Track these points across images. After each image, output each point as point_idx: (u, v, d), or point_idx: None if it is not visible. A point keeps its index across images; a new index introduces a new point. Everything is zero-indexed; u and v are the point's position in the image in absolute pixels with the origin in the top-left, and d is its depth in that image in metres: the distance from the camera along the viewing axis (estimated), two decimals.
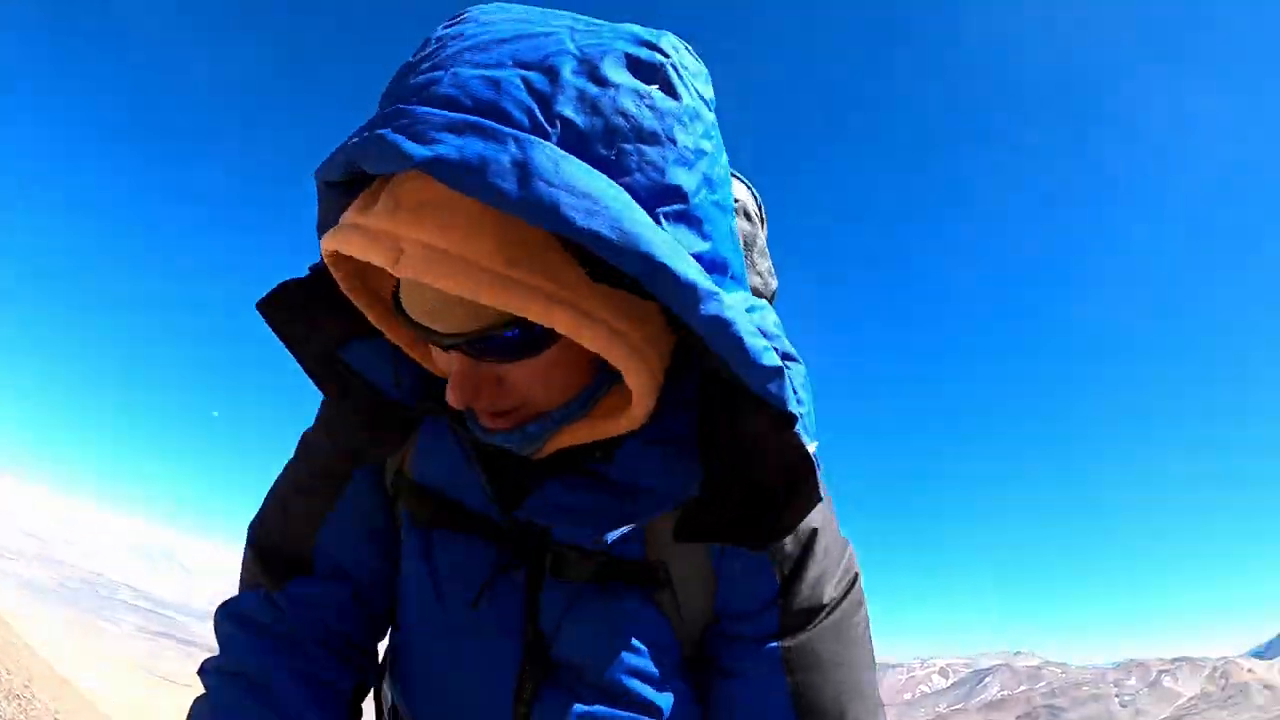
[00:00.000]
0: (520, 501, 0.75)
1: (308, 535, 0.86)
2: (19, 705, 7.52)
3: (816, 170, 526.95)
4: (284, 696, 0.78)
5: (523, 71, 0.57)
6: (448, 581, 0.79)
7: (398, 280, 0.67)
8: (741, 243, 0.71)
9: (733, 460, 0.70)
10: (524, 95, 0.56)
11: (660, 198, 0.58)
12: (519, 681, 0.76)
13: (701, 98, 0.64)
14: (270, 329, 0.79)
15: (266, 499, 0.91)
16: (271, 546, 0.87)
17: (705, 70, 0.67)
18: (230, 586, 0.92)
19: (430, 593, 0.80)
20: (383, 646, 0.98)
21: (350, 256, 0.66)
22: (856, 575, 0.81)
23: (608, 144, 0.56)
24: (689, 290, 0.56)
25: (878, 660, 0.85)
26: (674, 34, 0.65)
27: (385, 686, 0.96)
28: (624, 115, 0.57)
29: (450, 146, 0.53)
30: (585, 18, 0.66)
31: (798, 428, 0.64)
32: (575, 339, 0.59)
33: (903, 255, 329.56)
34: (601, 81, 0.57)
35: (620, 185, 0.55)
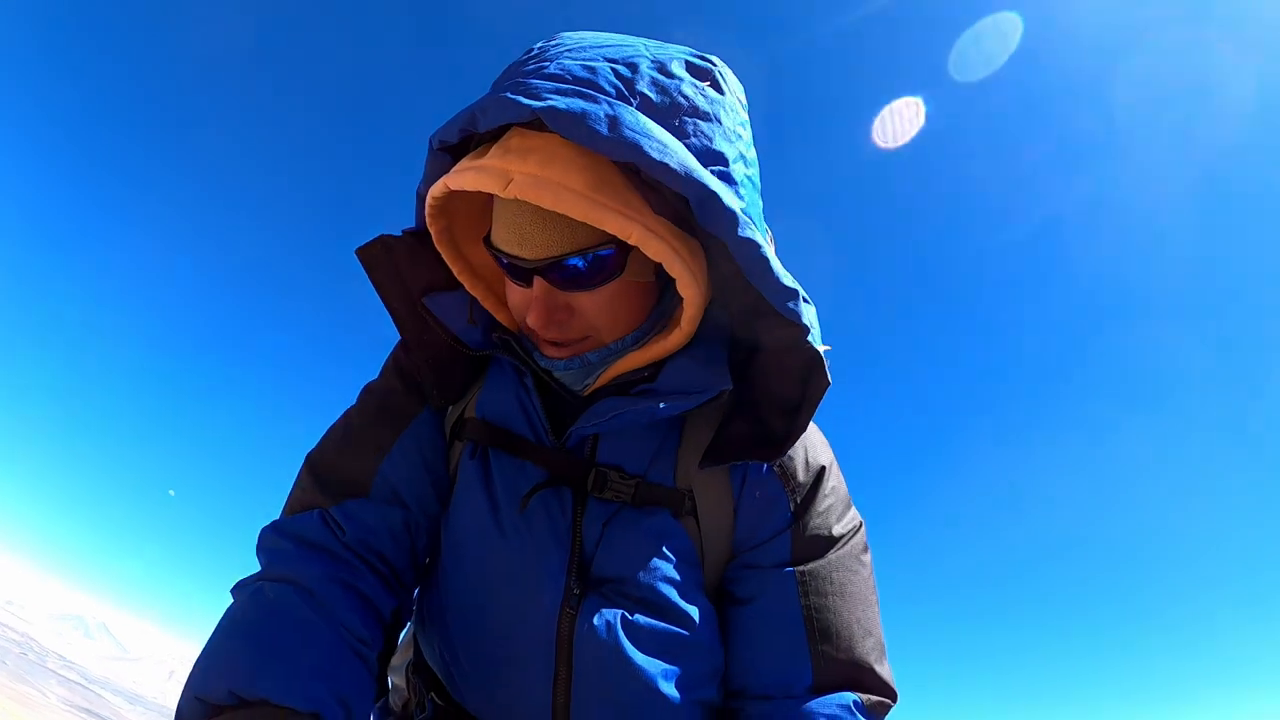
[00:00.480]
0: (567, 435, 0.87)
1: (370, 462, 0.89)
2: None
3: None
4: (332, 603, 0.77)
5: (611, 64, 0.77)
6: (503, 497, 0.86)
7: (487, 233, 0.85)
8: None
9: (755, 374, 0.84)
10: (612, 77, 0.76)
11: (708, 159, 0.76)
12: (565, 590, 0.81)
13: (739, 100, 0.85)
14: (365, 275, 0.93)
15: (327, 432, 0.95)
16: (331, 469, 0.89)
17: (742, 86, 0.89)
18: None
19: (486, 510, 0.87)
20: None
21: (442, 224, 0.88)
22: (861, 523, 0.91)
23: (673, 115, 0.76)
24: (731, 216, 0.73)
25: None
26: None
27: (408, 661, 1.00)
28: (684, 97, 0.78)
29: (559, 101, 0.71)
30: (655, 40, 0.87)
31: (809, 338, 0.79)
32: (644, 249, 0.74)
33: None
34: (669, 74, 0.78)
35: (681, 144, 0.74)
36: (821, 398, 0.81)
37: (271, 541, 0.84)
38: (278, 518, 0.88)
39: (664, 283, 0.90)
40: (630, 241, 0.74)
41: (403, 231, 0.95)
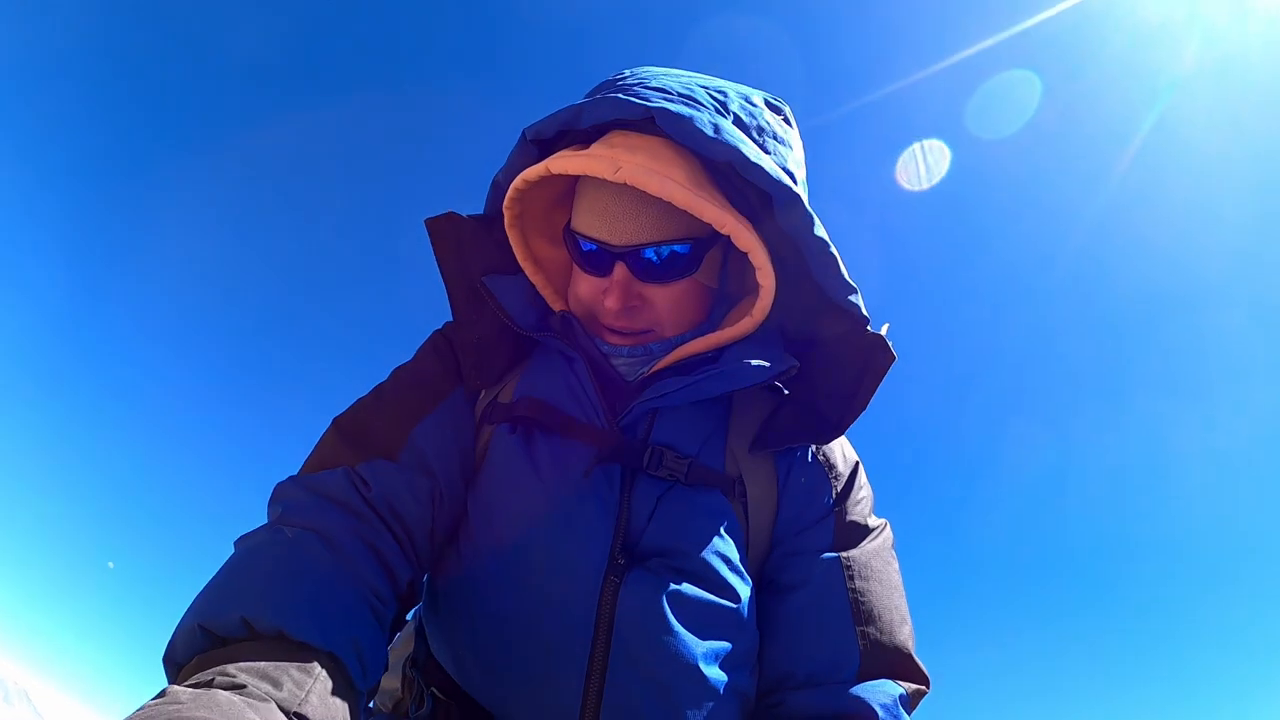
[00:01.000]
0: (626, 413, 0.88)
1: (402, 426, 0.87)
2: None
3: None
4: (353, 555, 0.72)
5: (704, 89, 0.89)
6: (549, 468, 0.84)
7: (567, 223, 0.92)
8: None
9: (808, 368, 0.89)
10: (709, 98, 0.87)
11: (785, 174, 0.86)
12: (610, 559, 0.79)
13: (800, 141, 0.98)
14: (431, 245, 0.96)
15: (356, 402, 0.92)
16: (360, 430, 0.86)
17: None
18: None
19: (530, 480, 0.84)
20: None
21: (516, 212, 0.94)
22: (888, 524, 0.94)
23: (758, 135, 0.88)
24: (809, 217, 0.83)
25: None
26: None
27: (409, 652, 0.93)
28: (766, 122, 0.90)
29: (669, 104, 0.82)
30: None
31: (868, 328, 0.86)
32: (735, 239, 0.82)
33: None
34: (752, 104, 0.91)
35: None
36: (885, 373, 0.85)
37: (290, 492, 0.79)
38: (295, 473, 0.83)
39: (719, 292, 0.98)
40: (723, 231, 0.81)
41: (471, 217, 0.98)
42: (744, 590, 0.84)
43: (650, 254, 0.86)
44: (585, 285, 0.92)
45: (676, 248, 0.86)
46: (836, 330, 0.89)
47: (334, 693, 0.58)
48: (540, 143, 0.92)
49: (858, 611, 0.83)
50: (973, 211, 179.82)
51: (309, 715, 0.54)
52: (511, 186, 0.91)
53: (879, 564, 0.88)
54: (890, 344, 0.85)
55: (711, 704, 0.77)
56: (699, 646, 0.77)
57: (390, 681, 0.96)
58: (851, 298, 0.86)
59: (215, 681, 0.53)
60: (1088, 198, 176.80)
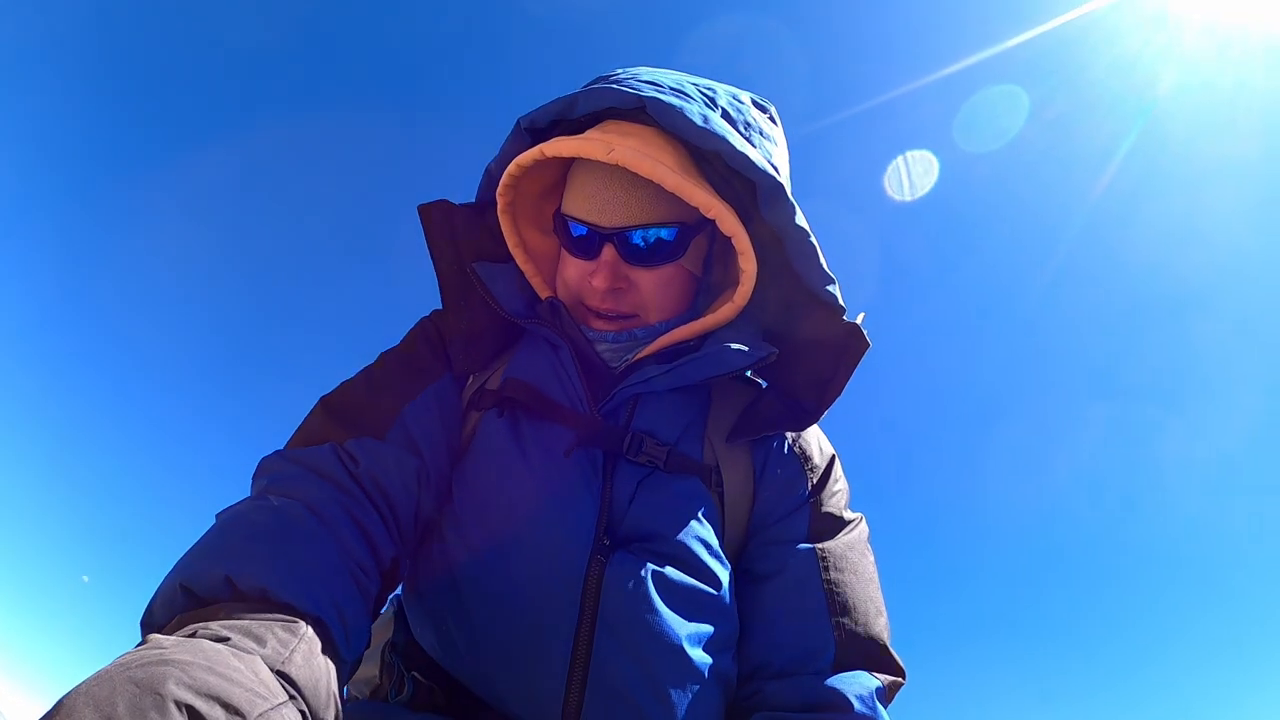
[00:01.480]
0: (608, 399, 0.89)
1: (391, 406, 0.86)
2: None
3: None
4: (337, 525, 0.71)
5: (694, 85, 0.92)
6: (535, 451, 0.85)
7: (557, 208, 0.94)
8: None
9: (785, 358, 0.91)
10: (698, 93, 0.90)
11: (770, 166, 0.88)
12: (596, 540, 0.79)
13: (785, 140, 1.01)
14: (423, 230, 0.97)
15: (344, 382, 0.91)
16: (349, 409, 0.86)
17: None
18: None
19: (517, 460, 0.85)
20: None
21: (508, 200, 0.95)
22: (864, 518, 0.96)
23: (745, 129, 0.91)
24: (790, 207, 0.86)
25: None
26: None
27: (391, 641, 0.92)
28: (752, 118, 0.93)
29: (661, 95, 0.85)
30: None
31: (845, 316, 0.89)
32: (720, 223, 0.84)
33: None
34: (739, 101, 0.95)
35: None
36: (860, 359, 0.87)
37: (275, 466, 0.78)
38: (281, 449, 0.82)
39: (702, 281, 1.00)
40: (709, 215, 0.84)
41: (463, 205, 1.00)
42: (724, 576, 0.85)
43: (638, 237, 0.88)
44: (573, 269, 0.93)
45: (663, 232, 0.88)
46: (814, 320, 0.91)
47: (318, 656, 0.57)
48: (533, 132, 0.94)
49: (833, 602, 0.84)
50: (968, 217, 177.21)
51: (292, 674, 0.52)
52: (506, 172, 0.92)
53: (855, 556, 0.89)
54: (865, 332, 0.87)
55: (696, 685, 0.77)
56: (683, 628, 0.78)
57: (368, 669, 0.94)
58: (829, 288, 0.88)
59: (199, 634, 0.52)
60: (1075, 203, 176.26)
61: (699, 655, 0.78)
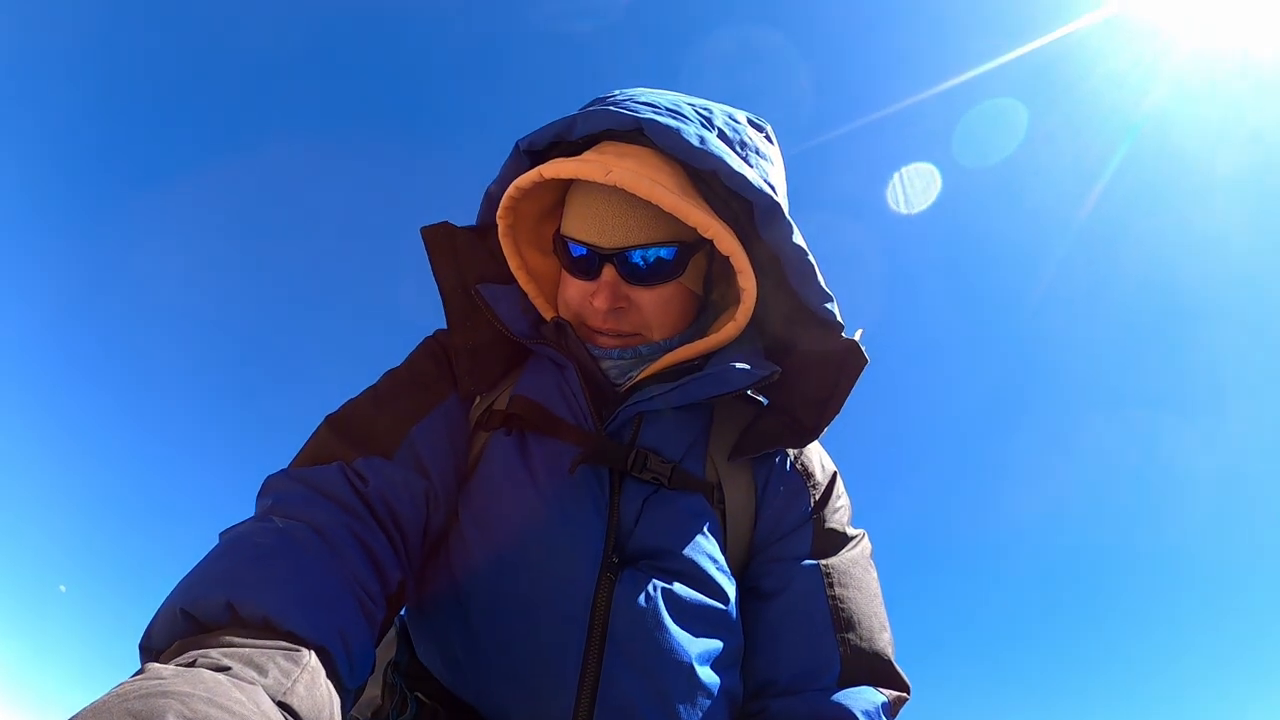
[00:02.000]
0: (612, 418, 0.89)
1: (400, 427, 0.86)
2: None
3: None
4: (344, 549, 0.70)
5: (691, 105, 0.93)
6: (542, 470, 0.85)
7: (556, 229, 0.94)
8: None
9: (785, 376, 0.91)
10: (695, 114, 0.91)
11: (767, 186, 0.89)
12: (604, 557, 0.79)
13: (782, 160, 1.01)
14: (426, 253, 0.98)
15: (350, 401, 0.92)
16: (356, 427, 0.85)
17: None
18: None
19: (525, 480, 0.85)
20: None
21: (508, 222, 0.96)
22: (866, 534, 0.96)
23: (741, 148, 0.91)
24: (788, 226, 0.86)
25: None
26: None
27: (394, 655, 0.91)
28: (748, 138, 0.94)
29: (658, 116, 0.86)
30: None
31: (843, 334, 0.89)
32: (718, 244, 0.85)
33: None
34: (735, 121, 0.95)
35: None
36: (858, 376, 0.88)
37: (281, 485, 0.77)
38: (286, 467, 0.82)
39: (703, 300, 1.00)
40: (707, 235, 0.84)
41: (464, 228, 1.01)
42: (731, 591, 0.85)
43: (637, 257, 0.88)
44: (574, 289, 0.94)
45: (662, 252, 0.88)
46: (812, 338, 0.91)
47: (321, 686, 0.55)
48: (532, 154, 0.95)
49: (838, 618, 0.84)
50: (970, 228, 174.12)
51: (294, 706, 0.51)
52: (505, 194, 0.93)
53: (858, 572, 0.89)
54: (864, 349, 0.88)
55: (706, 702, 0.76)
56: (692, 645, 0.77)
57: (370, 690, 0.93)
58: (827, 305, 0.89)
59: (198, 662, 0.51)
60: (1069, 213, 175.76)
61: (707, 673, 0.78)
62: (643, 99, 0.91)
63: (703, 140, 0.84)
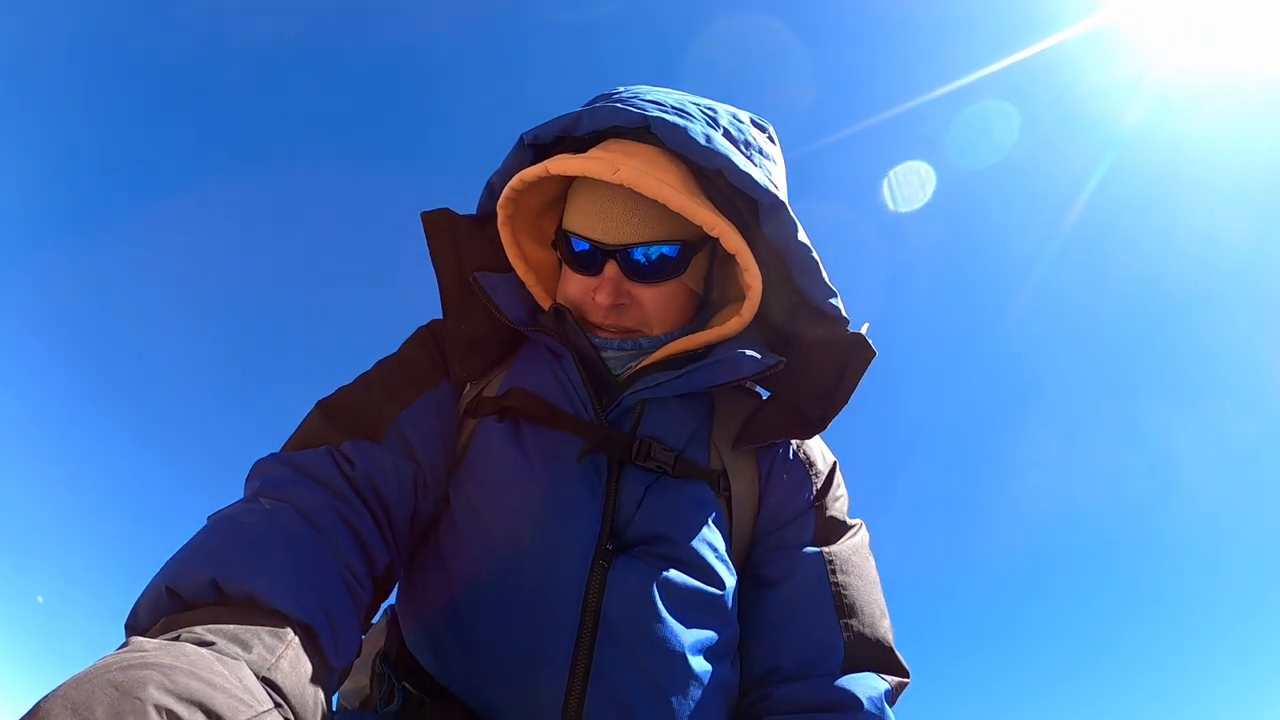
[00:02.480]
0: (615, 405, 0.89)
1: (389, 412, 0.86)
2: None
3: None
4: (332, 532, 0.70)
5: (696, 104, 0.93)
6: (538, 457, 0.84)
7: (558, 224, 0.95)
8: None
9: (789, 369, 0.91)
10: (700, 112, 0.91)
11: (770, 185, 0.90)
12: (599, 543, 0.78)
13: (783, 157, 1.02)
14: (425, 240, 0.97)
15: (341, 387, 0.92)
16: (346, 412, 0.86)
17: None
18: None
19: (519, 465, 0.84)
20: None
21: (509, 213, 0.96)
22: (864, 524, 0.96)
23: (746, 148, 0.92)
24: (792, 223, 0.87)
25: None
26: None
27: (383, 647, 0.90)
28: (752, 137, 0.95)
29: (665, 115, 0.86)
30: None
31: (849, 328, 0.89)
32: (723, 240, 0.85)
33: None
34: (740, 121, 0.96)
35: None
36: (866, 368, 0.87)
37: (269, 468, 0.77)
38: (277, 451, 0.82)
39: (703, 299, 1.01)
40: (713, 233, 0.84)
41: (465, 216, 1.01)
42: (729, 579, 0.84)
43: (640, 254, 0.88)
44: (575, 285, 0.94)
45: (665, 250, 0.89)
46: (817, 333, 0.92)
47: (305, 663, 0.55)
48: (536, 148, 0.95)
49: (840, 604, 0.84)
50: (966, 226, 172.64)
51: (279, 681, 0.51)
52: (508, 185, 0.93)
53: (859, 559, 0.89)
54: (870, 341, 0.88)
55: (699, 693, 0.76)
56: (686, 635, 0.77)
57: (359, 679, 0.93)
58: (832, 300, 0.89)
59: (182, 637, 0.50)
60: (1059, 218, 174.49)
61: (701, 663, 0.77)
62: (648, 97, 0.91)
63: (709, 139, 0.84)
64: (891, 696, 0.80)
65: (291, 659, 0.54)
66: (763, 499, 0.91)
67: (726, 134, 0.90)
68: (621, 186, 0.86)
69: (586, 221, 0.89)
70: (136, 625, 0.58)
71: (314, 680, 0.55)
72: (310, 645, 0.58)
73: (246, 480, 0.78)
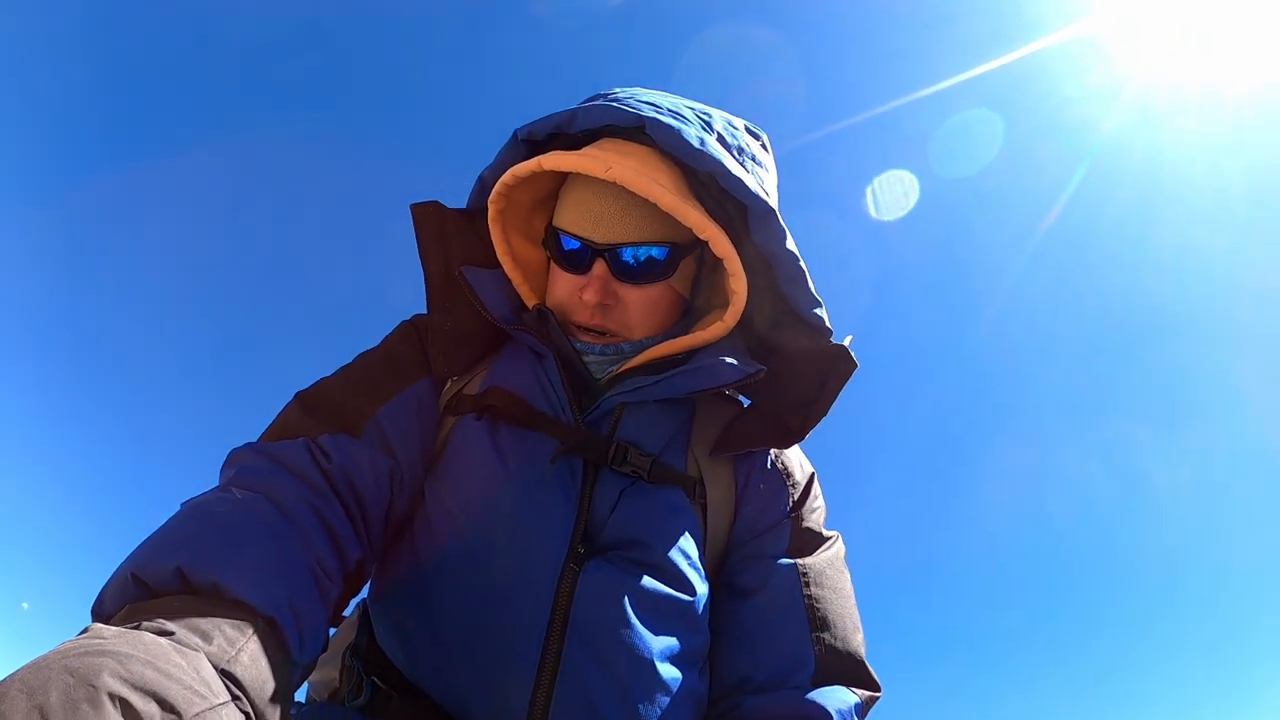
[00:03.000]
0: (594, 408, 0.89)
1: (367, 405, 0.85)
2: None
3: None
4: (304, 523, 0.69)
5: (691, 108, 0.93)
6: (514, 457, 0.84)
7: (548, 222, 0.94)
8: None
9: (770, 378, 0.90)
10: (695, 116, 0.91)
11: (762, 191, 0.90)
12: (570, 546, 0.78)
13: (775, 165, 1.02)
14: (414, 231, 0.97)
15: (321, 379, 0.91)
16: (324, 404, 0.85)
17: None
18: None
19: (495, 465, 0.83)
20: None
21: (499, 208, 0.96)
22: (841, 537, 0.96)
23: (739, 154, 0.92)
24: (781, 231, 0.87)
25: None
26: None
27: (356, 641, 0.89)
28: (745, 144, 0.95)
29: (660, 116, 0.86)
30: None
31: (832, 339, 0.89)
32: (713, 245, 0.85)
33: None
34: (734, 127, 0.96)
35: None
36: (847, 380, 0.88)
37: (244, 458, 0.76)
38: (253, 440, 0.81)
39: (688, 303, 1.01)
40: (703, 236, 0.84)
41: (456, 211, 1.01)
42: (701, 587, 0.84)
43: (629, 255, 0.88)
44: (563, 283, 0.93)
45: (654, 251, 0.89)
46: (800, 342, 0.92)
47: (267, 656, 0.54)
48: (529, 144, 0.95)
49: (813, 617, 0.84)
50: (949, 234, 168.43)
51: (238, 674, 0.50)
52: (500, 180, 0.93)
53: (833, 573, 0.89)
54: (853, 354, 0.88)
55: (666, 699, 0.76)
56: (656, 641, 0.77)
57: (328, 672, 0.92)
58: (817, 310, 0.90)
59: (142, 626, 0.50)
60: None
61: (670, 669, 0.77)
62: (644, 98, 0.92)
63: (703, 142, 0.85)
64: (862, 710, 0.80)
65: (252, 652, 0.53)
66: (739, 507, 0.91)
67: (720, 139, 0.90)
68: (613, 186, 0.86)
69: (577, 219, 0.89)
70: (102, 611, 0.58)
71: (275, 674, 0.54)
72: (273, 639, 0.57)
73: (222, 468, 0.77)
